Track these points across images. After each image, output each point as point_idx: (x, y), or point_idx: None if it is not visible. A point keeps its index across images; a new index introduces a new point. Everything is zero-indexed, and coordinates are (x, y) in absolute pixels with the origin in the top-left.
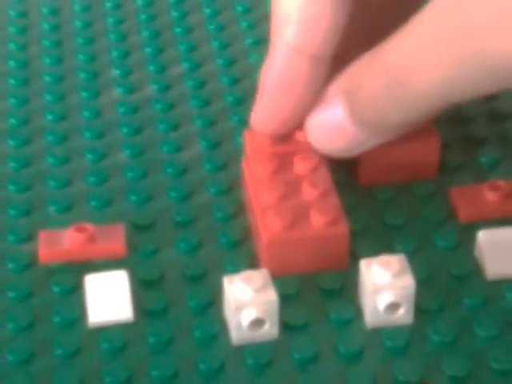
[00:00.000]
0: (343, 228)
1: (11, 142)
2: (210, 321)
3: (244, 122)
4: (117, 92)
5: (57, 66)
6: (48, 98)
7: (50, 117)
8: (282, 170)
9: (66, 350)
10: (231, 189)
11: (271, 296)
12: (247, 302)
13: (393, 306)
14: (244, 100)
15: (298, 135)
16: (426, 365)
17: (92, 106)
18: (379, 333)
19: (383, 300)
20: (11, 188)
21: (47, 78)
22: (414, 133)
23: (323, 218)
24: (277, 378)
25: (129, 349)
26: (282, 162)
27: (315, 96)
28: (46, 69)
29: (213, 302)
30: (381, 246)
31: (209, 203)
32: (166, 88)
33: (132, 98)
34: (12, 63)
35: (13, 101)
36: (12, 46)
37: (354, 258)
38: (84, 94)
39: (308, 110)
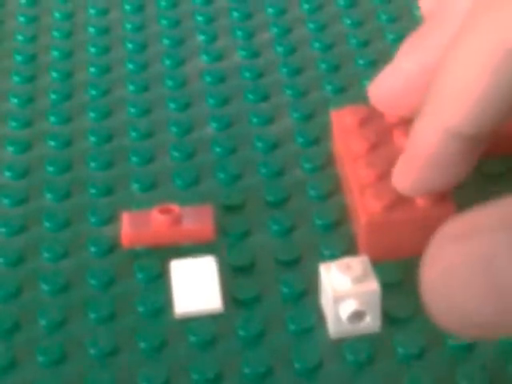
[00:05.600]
0: (451, 207)
1: (91, 115)
2: (306, 312)
3: (338, 91)
4: (202, 60)
5: (138, 33)
6: (130, 66)
7: (131, 87)
8: (380, 145)
9: (151, 342)
10: (326, 164)
11: (373, 286)
12: (346, 292)
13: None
14: (338, 67)
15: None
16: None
17: (176, 75)
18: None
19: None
20: (92, 165)
21: (129, 46)
22: None
23: (428, 196)
24: (379, 375)
25: (218, 342)
26: (381, 137)
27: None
28: (127, 35)
29: (308, 290)
30: None
31: (302, 181)
32: (254, 55)
33: (218, 66)
34: (92, 30)
35: (93, 70)
36: (92, 11)
37: None
38: (167, 63)
39: (461, 176)
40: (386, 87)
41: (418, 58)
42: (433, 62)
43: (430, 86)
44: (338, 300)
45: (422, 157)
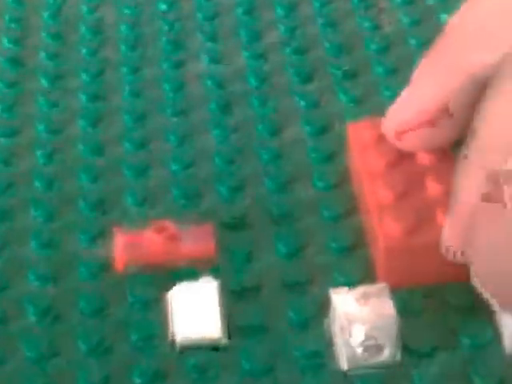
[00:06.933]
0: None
1: (81, 123)
2: (315, 341)
3: (355, 101)
4: (203, 62)
5: (133, 32)
6: (124, 69)
7: (125, 92)
8: (401, 162)
9: (146, 376)
10: (342, 182)
11: (390, 314)
12: (361, 321)
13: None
14: (355, 74)
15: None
16: None
17: (174, 78)
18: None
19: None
20: (82, 177)
21: (123, 47)
22: None
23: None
24: None
25: (220, 376)
26: (402, 153)
27: None
28: (121, 36)
29: (318, 317)
30: None
31: (314, 199)
32: (261, 57)
33: (221, 69)
34: (83, 29)
35: (84, 74)
36: (83, 8)
37: None
38: (165, 65)
39: None
40: (398, 121)
41: (433, 87)
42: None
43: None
44: (350, 328)
45: (467, 208)
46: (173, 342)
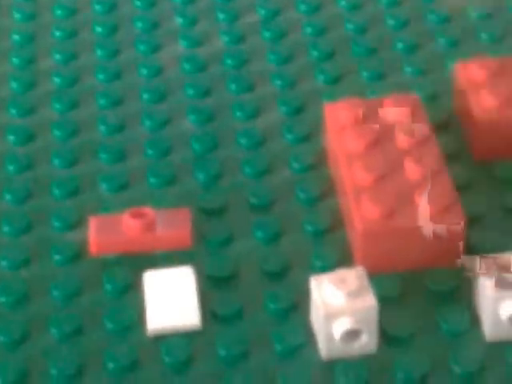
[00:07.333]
0: (457, 216)
1: (56, 106)
2: (294, 329)
3: (332, 81)
4: (180, 45)
5: (108, 15)
6: (99, 53)
7: (101, 76)
8: (379, 144)
9: (120, 363)
10: (318, 164)
11: (370, 301)
12: (340, 309)
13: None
14: (332, 54)
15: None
16: None
17: (151, 62)
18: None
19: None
20: (56, 162)
21: (98, 29)
22: None
23: (432, 203)
24: None
25: (195, 363)
26: (380, 135)
27: None
28: (96, 17)
29: (297, 305)
30: (502, 236)
31: (291, 182)
32: (239, 40)
33: (198, 52)
34: (58, 11)
35: (58, 56)
36: None
37: (470, 252)
38: (141, 48)
39: None
40: None
41: None
42: None
43: None
44: (330, 317)
45: None
46: (147, 328)
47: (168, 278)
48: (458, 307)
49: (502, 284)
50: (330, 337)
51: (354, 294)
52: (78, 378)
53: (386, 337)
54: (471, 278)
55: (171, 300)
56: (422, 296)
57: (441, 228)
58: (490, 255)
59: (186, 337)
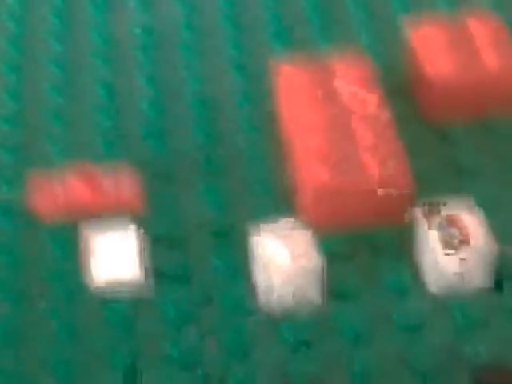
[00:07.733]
0: (405, 178)
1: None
2: (240, 287)
3: (289, 47)
4: (134, 13)
5: None
6: (55, 21)
7: (56, 45)
8: (328, 107)
9: (67, 327)
10: (269, 127)
11: (314, 258)
12: (284, 265)
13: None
14: (289, 28)
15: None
16: None
17: (104, 27)
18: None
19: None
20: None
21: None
22: None
23: (380, 165)
24: (322, 357)
25: (144, 325)
26: (329, 97)
27: None
28: None
29: (244, 264)
30: (449, 194)
31: (242, 145)
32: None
33: (153, 21)
34: None
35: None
36: None
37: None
38: (94, 13)
39: None
40: None
41: None
42: None
43: None
44: (271, 272)
45: None
46: (94, 289)
47: (114, 239)
48: (403, 263)
49: (447, 239)
50: (272, 293)
51: (298, 251)
52: (20, 343)
53: (332, 293)
54: (415, 227)
55: (117, 260)
56: (369, 252)
57: (389, 189)
58: (436, 201)
59: (134, 298)
